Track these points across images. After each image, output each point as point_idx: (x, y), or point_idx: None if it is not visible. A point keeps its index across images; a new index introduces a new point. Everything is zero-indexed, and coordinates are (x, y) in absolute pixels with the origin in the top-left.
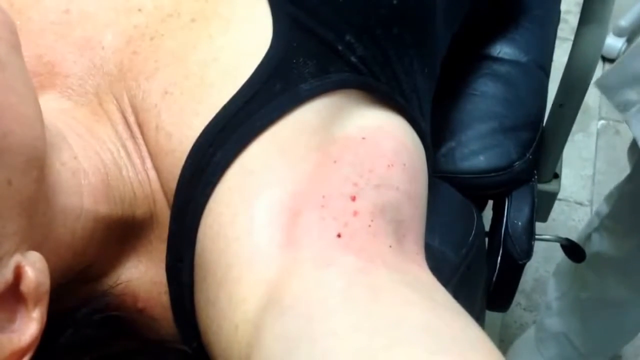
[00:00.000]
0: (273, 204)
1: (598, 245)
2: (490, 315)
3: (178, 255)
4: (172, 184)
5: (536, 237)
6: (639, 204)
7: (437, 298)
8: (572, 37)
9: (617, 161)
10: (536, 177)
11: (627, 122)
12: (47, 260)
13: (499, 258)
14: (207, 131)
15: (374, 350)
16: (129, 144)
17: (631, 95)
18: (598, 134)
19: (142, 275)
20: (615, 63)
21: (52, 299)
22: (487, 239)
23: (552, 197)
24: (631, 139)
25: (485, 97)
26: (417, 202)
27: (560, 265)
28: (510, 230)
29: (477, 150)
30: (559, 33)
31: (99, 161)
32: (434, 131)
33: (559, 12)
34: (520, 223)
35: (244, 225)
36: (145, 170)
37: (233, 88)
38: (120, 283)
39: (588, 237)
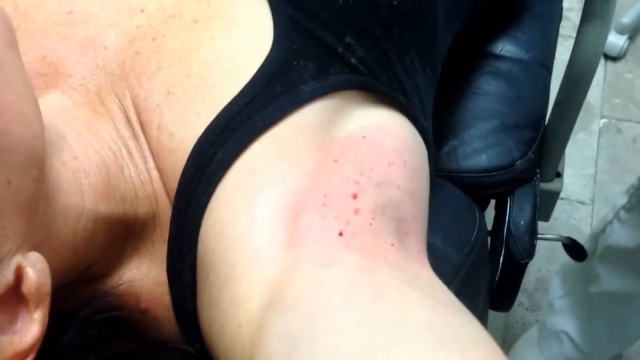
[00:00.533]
0: (275, 203)
1: (612, 237)
2: (492, 315)
3: (179, 255)
4: (174, 184)
5: (538, 236)
6: None
7: (439, 296)
8: (574, 35)
9: (619, 160)
10: (538, 175)
11: None
12: (49, 260)
13: (502, 257)
14: (209, 131)
15: (376, 348)
16: (131, 143)
17: None
18: (600, 132)
19: (144, 275)
20: None
21: (54, 300)
22: (489, 238)
23: (554, 196)
24: (633, 137)
25: (487, 95)
26: (419, 200)
27: (565, 264)
28: (512, 229)
29: (480, 148)
30: (561, 30)
31: (100, 160)
32: (436, 130)
33: (561, 9)
34: (522, 222)
35: (246, 224)
36: (147, 170)
37: (235, 89)
38: (123, 283)
39: (602, 230)
